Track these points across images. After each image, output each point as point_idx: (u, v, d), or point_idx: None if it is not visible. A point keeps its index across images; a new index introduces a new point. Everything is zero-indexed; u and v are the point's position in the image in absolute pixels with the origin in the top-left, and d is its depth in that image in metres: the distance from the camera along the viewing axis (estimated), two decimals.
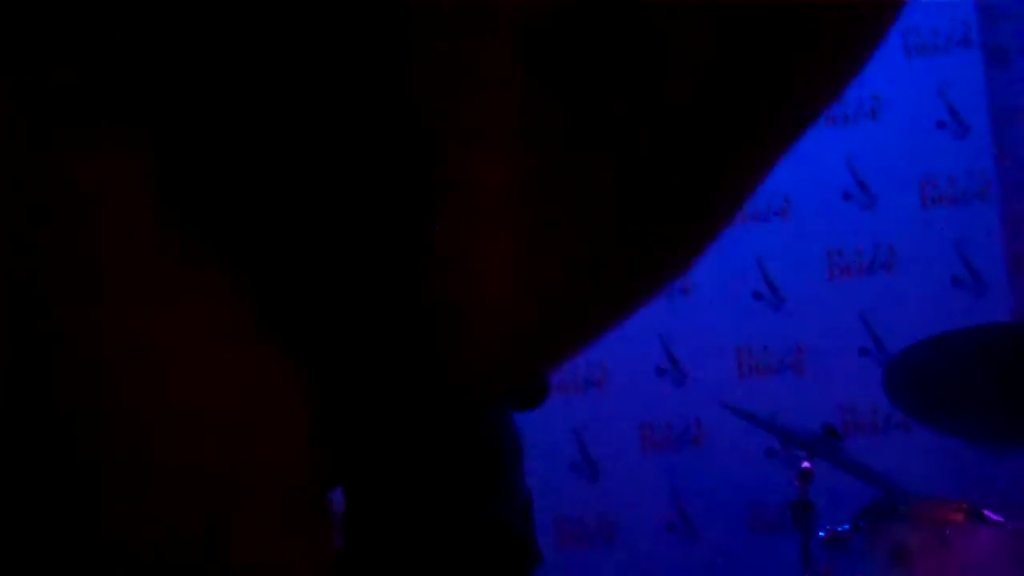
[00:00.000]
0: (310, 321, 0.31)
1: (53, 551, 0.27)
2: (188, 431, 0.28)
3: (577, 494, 3.39)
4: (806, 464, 2.32)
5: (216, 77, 0.29)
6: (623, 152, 0.31)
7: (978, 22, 3.36)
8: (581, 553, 3.36)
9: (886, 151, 3.34)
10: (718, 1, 0.30)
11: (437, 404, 0.34)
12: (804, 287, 3.35)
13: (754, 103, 0.32)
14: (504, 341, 0.33)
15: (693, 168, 0.32)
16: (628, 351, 3.30)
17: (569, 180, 0.31)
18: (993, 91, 3.33)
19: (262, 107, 0.29)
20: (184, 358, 0.29)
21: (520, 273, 0.31)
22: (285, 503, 0.30)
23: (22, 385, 0.27)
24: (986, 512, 2.12)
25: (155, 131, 0.29)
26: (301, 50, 0.29)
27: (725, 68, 0.31)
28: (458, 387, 0.33)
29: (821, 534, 2.28)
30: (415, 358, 0.32)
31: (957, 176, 3.30)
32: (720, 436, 3.29)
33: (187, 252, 0.29)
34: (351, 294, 0.31)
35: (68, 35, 0.28)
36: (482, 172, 0.30)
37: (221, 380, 0.29)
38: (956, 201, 3.29)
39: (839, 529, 2.26)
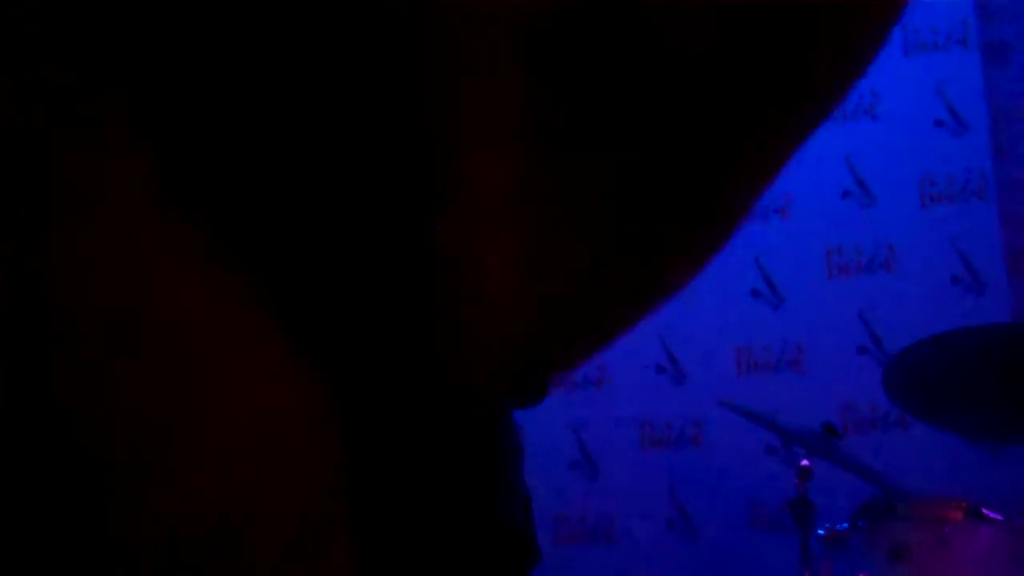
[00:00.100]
0: (310, 321, 0.31)
1: (53, 551, 0.27)
2: (188, 431, 0.28)
3: (577, 492, 3.39)
4: (805, 462, 2.32)
5: (217, 77, 0.29)
6: (623, 152, 0.31)
7: (977, 21, 3.36)
8: (581, 551, 3.36)
9: (885, 149, 3.34)
10: (718, 1, 0.30)
11: (438, 404, 0.34)
12: (803, 285, 3.35)
13: (755, 104, 0.32)
14: (505, 341, 0.32)
15: (694, 170, 0.32)
16: (627, 349, 3.29)
17: (569, 180, 0.31)
18: (992, 90, 3.32)
19: (262, 107, 0.29)
20: (184, 358, 0.29)
21: (521, 273, 0.31)
22: (302, 510, 0.30)
23: (22, 385, 0.27)
24: (985, 510, 2.12)
25: (155, 131, 0.29)
26: (302, 50, 0.29)
27: (725, 68, 0.31)
28: (459, 387, 0.33)
29: (820, 532, 2.29)
30: (415, 358, 0.32)
31: (956, 175, 3.30)
32: (719, 434, 3.29)
33: (190, 252, 0.29)
34: (351, 294, 0.31)
35: (68, 35, 0.28)
36: (482, 172, 0.30)
37: (221, 380, 0.29)
38: (955, 199, 3.29)
39: (838, 527, 2.27)
